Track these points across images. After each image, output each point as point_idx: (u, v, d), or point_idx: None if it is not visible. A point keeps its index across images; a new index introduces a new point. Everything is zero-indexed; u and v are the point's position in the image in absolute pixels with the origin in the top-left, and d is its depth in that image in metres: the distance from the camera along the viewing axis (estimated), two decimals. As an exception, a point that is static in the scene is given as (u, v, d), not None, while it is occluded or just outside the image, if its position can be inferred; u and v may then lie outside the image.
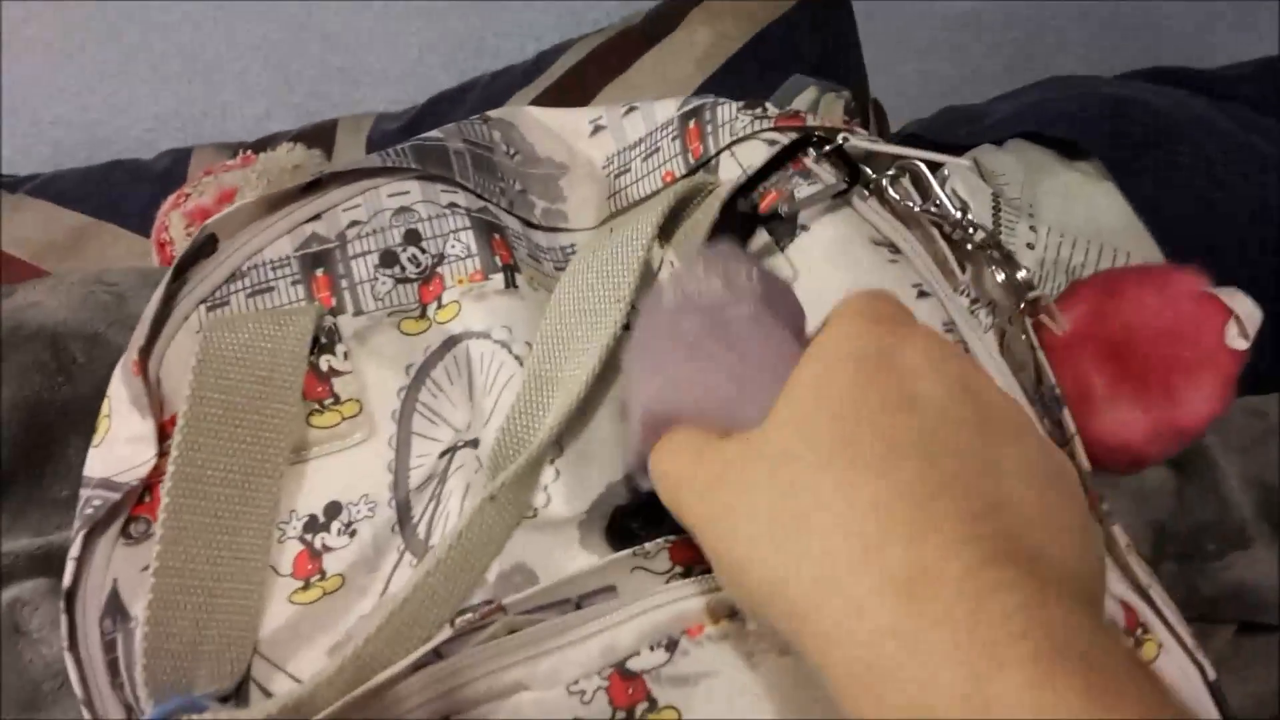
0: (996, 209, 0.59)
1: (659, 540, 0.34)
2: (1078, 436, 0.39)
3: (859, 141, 0.42)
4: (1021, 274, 0.40)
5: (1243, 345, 0.41)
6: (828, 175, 0.42)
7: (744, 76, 0.78)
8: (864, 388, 0.28)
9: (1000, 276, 0.41)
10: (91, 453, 0.36)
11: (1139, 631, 0.38)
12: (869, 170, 0.42)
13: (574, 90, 0.80)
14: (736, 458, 0.30)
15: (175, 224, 0.63)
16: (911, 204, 0.42)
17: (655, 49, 0.81)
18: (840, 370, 0.29)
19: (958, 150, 0.67)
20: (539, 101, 0.79)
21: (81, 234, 0.77)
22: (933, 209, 0.42)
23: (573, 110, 0.50)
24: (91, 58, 0.93)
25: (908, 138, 0.76)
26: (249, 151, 0.74)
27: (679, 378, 0.33)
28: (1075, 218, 0.61)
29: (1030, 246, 0.58)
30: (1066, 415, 0.39)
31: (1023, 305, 0.41)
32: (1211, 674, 0.37)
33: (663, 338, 0.34)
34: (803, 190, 0.42)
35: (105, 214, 0.78)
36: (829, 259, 0.41)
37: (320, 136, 0.82)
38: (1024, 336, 0.41)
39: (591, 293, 0.39)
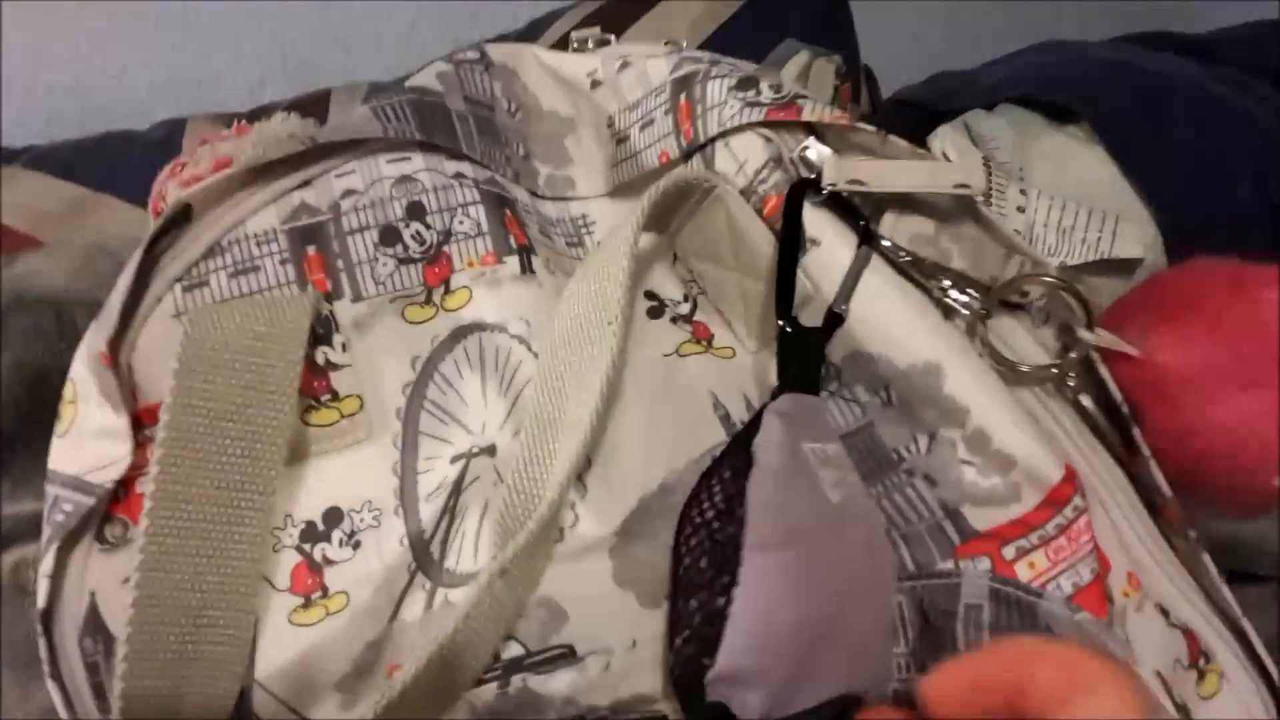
0: (987, 172, 0.60)
1: None
2: (1152, 460, 0.37)
3: (843, 184, 0.38)
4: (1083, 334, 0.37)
5: None
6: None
7: (737, 41, 0.78)
8: None
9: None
10: (56, 442, 0.33)
11: (1201, 661, 0.37)
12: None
13: (568, 57, 0.80)
14: None
15: (172, 194, 0.63)
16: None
17: (648, 14, 0.80)
18: None
19: (949, 115, 0.67)
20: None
21: (79, 205, 0.77)
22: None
23: (573, 56, 0.46)
24: (86, 28, 0.93)
25: (899, 104, 0.76)
26: (243, 121, 0.74)
27: (782, 603, 0.30)
28: (1065, 181, 0.61)
29: (1021, 210, 0.59)
30: (1136, 434, 0.37)
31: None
32: None
33: (769, 537, 0.31)
34: (805, 207, 0.38)
35: (102, 185, 0.78)
36: (859, 283, 0.37)
37: (315, 105, 0.82)
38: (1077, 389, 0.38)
39: (583, 320, 0.35)
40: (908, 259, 0.38)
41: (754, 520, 0.31)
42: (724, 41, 0.78)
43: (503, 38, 0.86)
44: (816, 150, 0.39)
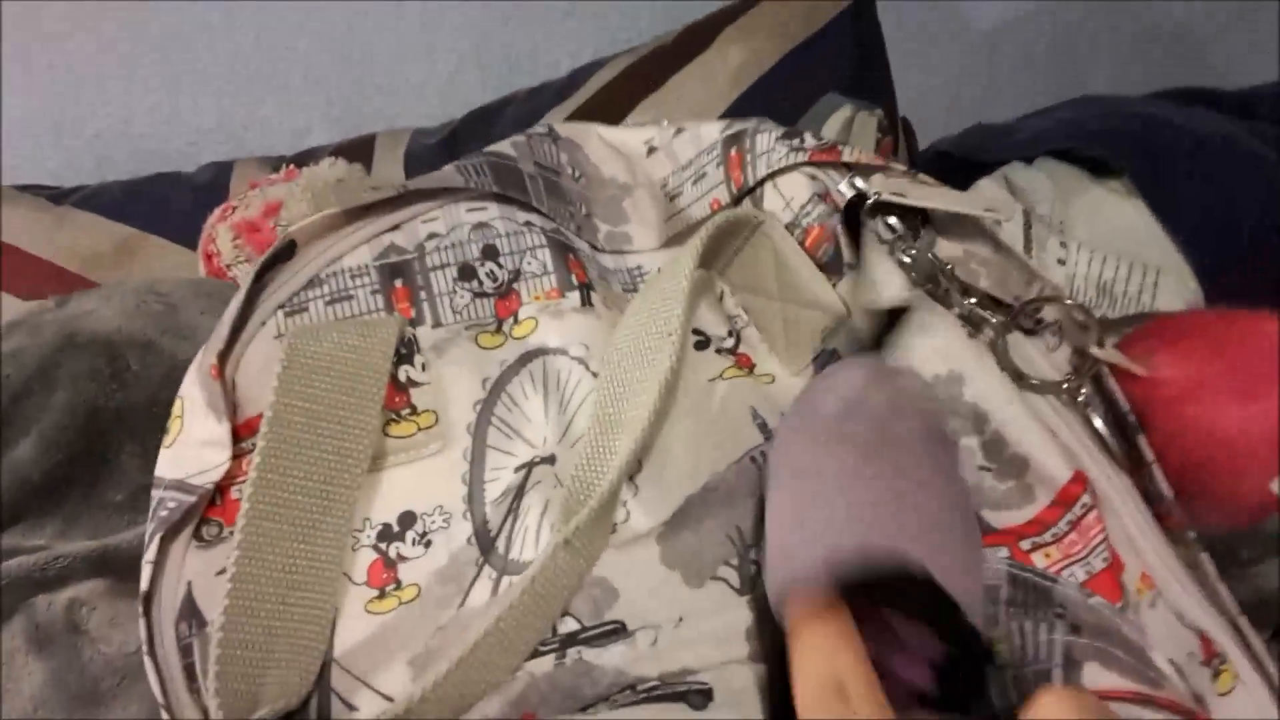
0: (1028, 225, 0.60)
1: None
2: (1156, 466, 0.39)
3: (887, 194, 0.41)
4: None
5: None
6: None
7: (776, 94, 0.79)
8: None
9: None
10: (163, 453, 0.37)
11: (1215, 662, 0.38)
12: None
13: (608, 107, 0.82)
14: None
15: (223, 236, 0.65)
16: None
17: (688, 67, 0.82)
18: None
19: (987, 168, 0.67)
20: (573, 118, 0.81)
21: (127, 245, 0.79)
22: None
23: (631, 130, 0.50)
24: (134, 72, 0.95)
25: (938, 154, 0.77)
26: (291, 165, 0.76)
27: (837, 498, 0.32)
28: (1105, 235, 0.61)
29: (1061, 263, 0.59)
30: (1141, 442, 0.39)
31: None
32: None
33: (821, 446, 0.33)
34: (844, 235, 0.42)
35: (150, 225, 0.80)
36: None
37: (359, 151, 0.83)
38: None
39: (644, 332, 0.39)
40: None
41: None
42: (764, 94, 0.79)
43: (544, 86, 0.87)
44: (860, 179, 0.42)
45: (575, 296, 0.41)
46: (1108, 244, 0.60)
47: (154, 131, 0.97)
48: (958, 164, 0.72)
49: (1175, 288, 0.59)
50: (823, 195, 0.43)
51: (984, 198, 0.41)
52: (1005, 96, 1.11)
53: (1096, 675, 0.35)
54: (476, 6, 0.99)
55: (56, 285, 0.75)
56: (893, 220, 0.41)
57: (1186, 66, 1.17)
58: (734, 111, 0.78)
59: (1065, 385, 0.40)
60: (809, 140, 0.44)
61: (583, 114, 0.81)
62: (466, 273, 0.41)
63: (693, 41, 0.84)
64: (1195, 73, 0.86)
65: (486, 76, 0.99)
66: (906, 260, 0.40)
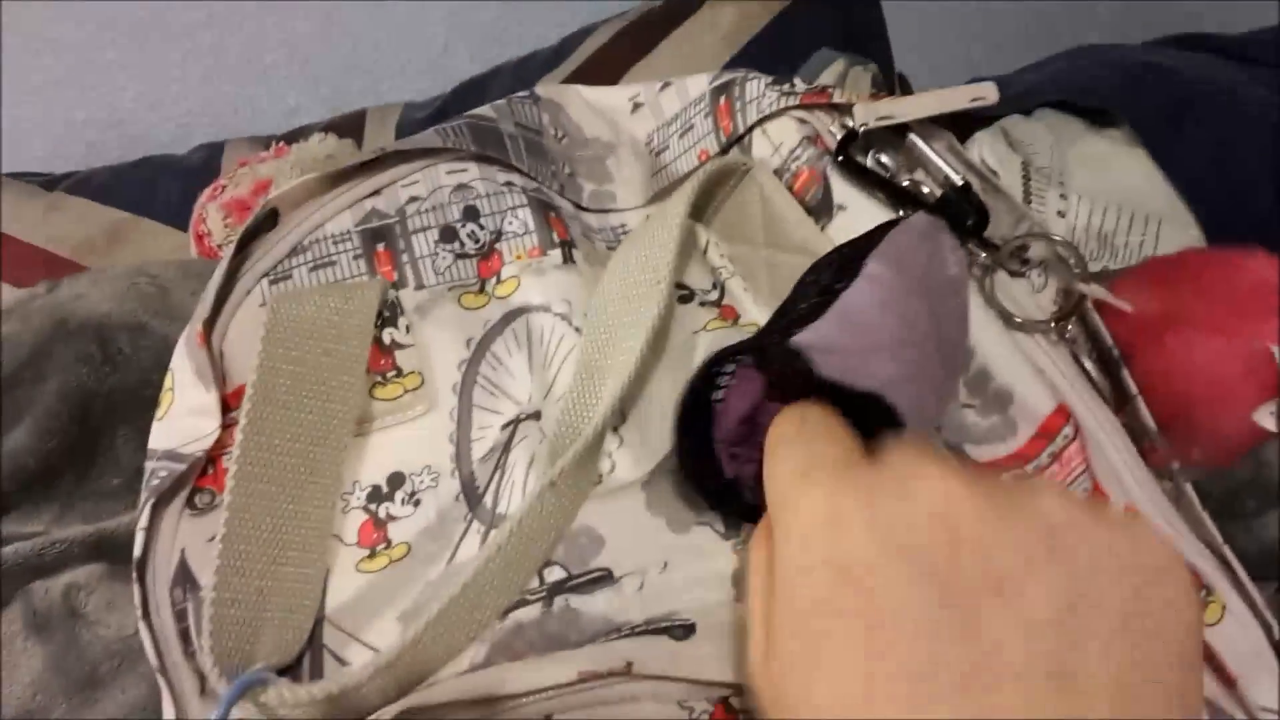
0: (1026, 177, 0.59)
1: None
2: (1140, 399, 0.40)
3: (874, 121, 0.41)
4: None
5: (1270, 426, 0.40)
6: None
7: (769, 53, 0.78)
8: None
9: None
10: (155, 426, 0.37)
11: (1203, 594, 0.39)
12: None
13: (600, 73, 0.81)
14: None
15: (213, 216, 0.64)
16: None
17: (679, 29, 0.81)
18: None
19: (985, 121, 0.66)
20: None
21: (119, 229, 0.78)
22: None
23: (614, 89, 0.50)
24: (121, 57, 0.95)
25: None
26: (281, 143, 0.75)
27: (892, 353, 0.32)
28: (1105, 185, 0.61)
29: (1061, 214, 0.59)
30: (1126, 376, 0.40)
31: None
32: (1278, 632, 0.38)
33: (900, 301, 0.33)
34: (834, 175, 0.42)
35: (141, 209, 0.79)
36: None
37: (350, 126, 0.83)
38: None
39: (632, 279, 0.39)
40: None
41: (880, 248, 0.34)
42: (757, 54, 0.78)
43: (533, 55, 0.86)
44: (850, 119, 0.42)
45: (557, 254, 0.41)
46: (1108, 195, 0.60)
47: (142, 116, 0.96)
48: (955, 118, 0.71)
49: (1177, 237, 0.58)
50: (813, 139, 0.43)
51: (968, 90, 0.42)
52: (1004, 52, 1.10)
53: None
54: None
55: (49, 272, 0.75)
56: (885, 158, 0.42)
57: (1182, 19, 1.15)
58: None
59: (1052, 324, 0.40)
60: (799, 85, 0.44)
61: (574, 81, 0.80)
62: (448, 234, 0.41)
63: (682, 5, 0.83)
64: (1189, 23, 0.84)
65: (475, 53, 0.98)
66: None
